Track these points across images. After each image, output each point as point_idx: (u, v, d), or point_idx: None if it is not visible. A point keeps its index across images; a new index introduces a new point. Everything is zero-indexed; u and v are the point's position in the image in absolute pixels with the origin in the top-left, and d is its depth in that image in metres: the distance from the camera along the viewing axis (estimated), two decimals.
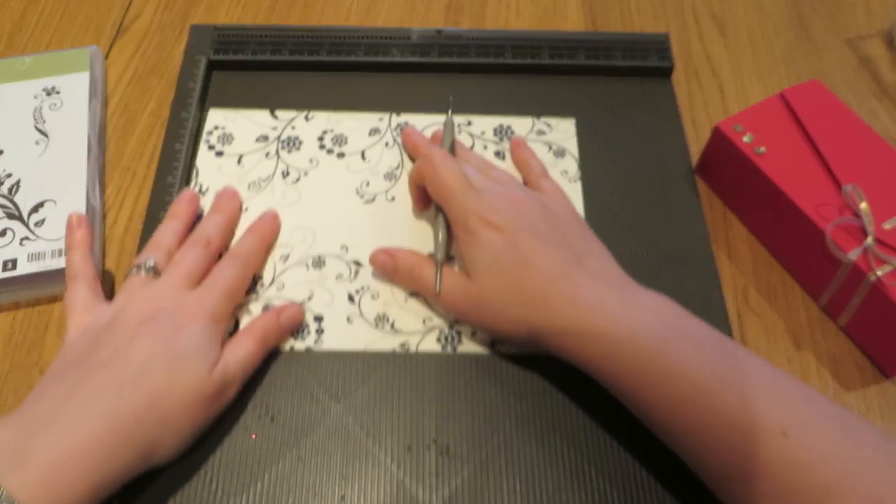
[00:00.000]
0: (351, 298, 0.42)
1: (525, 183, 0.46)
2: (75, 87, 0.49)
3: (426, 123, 0.49)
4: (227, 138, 0.48)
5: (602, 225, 0.45)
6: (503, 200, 0.39)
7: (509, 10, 0.58)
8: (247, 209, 0.45)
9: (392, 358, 0.40)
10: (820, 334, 0.42)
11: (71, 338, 0.36)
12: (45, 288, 0.41)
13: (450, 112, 0.47)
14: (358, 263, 0.43)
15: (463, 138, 0.49)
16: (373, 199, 0.46)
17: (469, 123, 0.50)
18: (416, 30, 0.53)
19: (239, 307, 0.41)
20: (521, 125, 0.50)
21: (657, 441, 0.35)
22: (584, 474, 0.36)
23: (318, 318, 0.41)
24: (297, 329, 0.40)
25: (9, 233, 0.43)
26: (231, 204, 0.44)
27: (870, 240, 0.39)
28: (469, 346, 0.40)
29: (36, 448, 0.30)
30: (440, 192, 0.40)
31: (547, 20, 0.58)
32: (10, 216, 0.43)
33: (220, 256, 0.41)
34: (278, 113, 0.50)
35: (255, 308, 0.41)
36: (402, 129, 0.48)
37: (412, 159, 0.47)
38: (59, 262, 0.42)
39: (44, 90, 0.49)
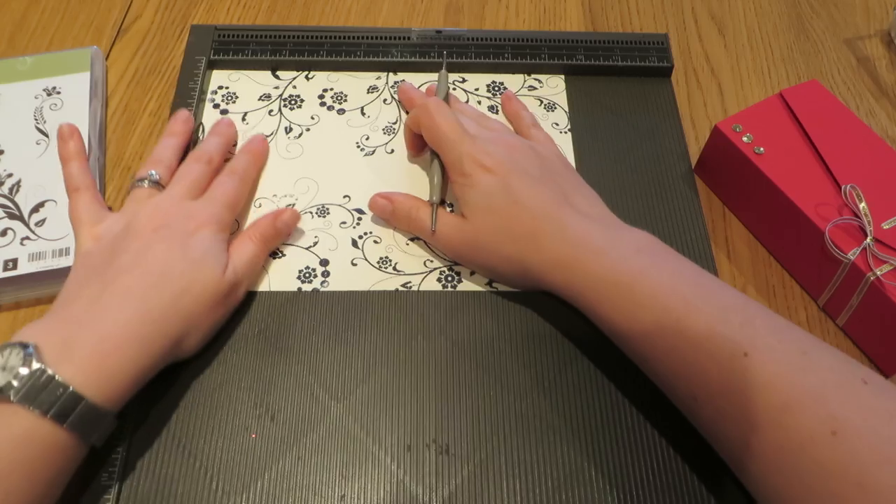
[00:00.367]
0: (355, 243, 0.44)
1: (517, 132, 0.48)
2: (76, 87, 0.49)
3: (422, 81, 0.52)
4: (231, 97, 0.50)
5: None
6: (496, 145, 0.41)
7: (509, 11, 0.58)
8: None
9: (395, 296, 0.42)
10: (819, 334, 0.43)
11: (86, 247, 0.38)
12: (47, 288, 0.41)
13: (444, 66, 0.49)
14: (360, 211, 0.45)
15: (457, 94, 0.51)
16: (373, 152, 0.48)
17: (463, 80, 0.52)
18: (415, 30, 0.53)
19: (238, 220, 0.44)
20: (513, 81, 0.52)
21: (657, 441, 0.35)
22: (584, 474, 0.36)
23: (324, 262, 0.43)
24: (293, 231, 0.44)
25: (9, 233, 0.43)
26: (229, 130, 0.47)
27: (869, 239, 0.39)
28: (468, 285, 0.42)
29: (81, 342, 0.33)
30: (436, 138, 0.41)
31: (546, 20, 0.58)
32: (11, 216, 0.43)
33: None
34: (280, 73, 0.52)
35: None
36: (399, 84, 0.51)
37: (408, 112, 0.49)
38: (60, 262, 0.42)
39: (44, 90, 0.49)
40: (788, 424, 0.29)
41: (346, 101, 0.51)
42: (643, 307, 0.34)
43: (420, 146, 0.46)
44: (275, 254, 0.43)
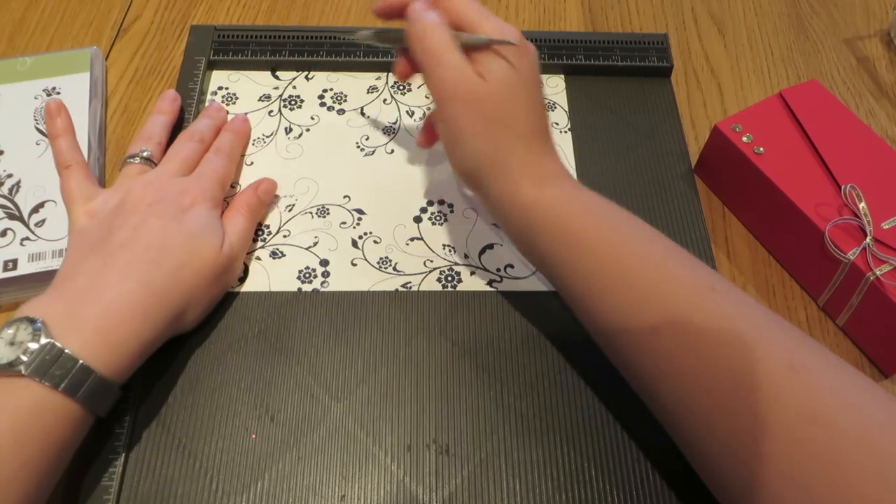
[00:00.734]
0: (354, 244, 0.44)
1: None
2: (75, 87, 0.49)
3: (422, 81, 0.49)
4: (230, 97, 0.50)
5: None
6: (516, 30, 0.37)
7: (508, 11, 0.58)
8: (251, 164, 0.47)
9: (395, 296, 0.42)
10: (819, 334, 0.43)
11: (80, 223, 0.39)
12: (46, 288, 0.41)
13: None
14: (360, 212, 0.45)
15: None
16: (373, 152, 0.48)
17: None
18: None
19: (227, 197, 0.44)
20: None
21: (657, 441, 0.35)
22: (584, 474, 0.36)
23: (324, 262, 0.43)
24: (273, 199, 0.45)
25: (9, 233, 0.43)
26: (219, 114, 0.48)
27: (869, 239, 0.39)
28: (468, 285, 0.42)
29: (86, 315, 0.33)
30: (465, 5, 0.38)
31: (546, 20, 0.58)
32: (11, 216, 0.43)
33: None
34: (279, 73, 0.52)
35: (264, 254, 0.43)
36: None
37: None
38: (60, 263, 0.42)
39: (44, 91, 0.49)
40: (747, 356, 0.29)
41: (345, 101, 0.51)
42: (590, 250, 0.34)
43: (396, 12, 0.41)
44: (275, 254, 0.43)
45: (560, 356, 0.40)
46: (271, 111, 0.50)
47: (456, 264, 0.43)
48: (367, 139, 0.49)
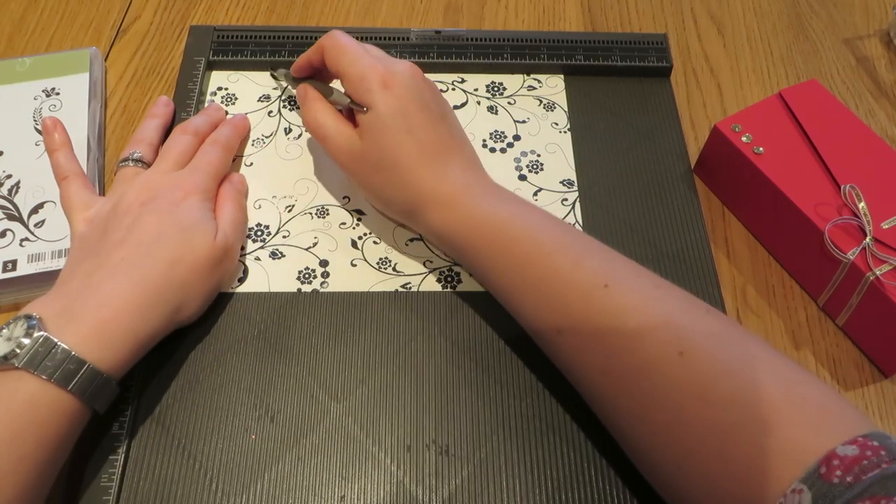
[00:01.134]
0: (354, 244, 0.44)
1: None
2: (75, 88, 0.49)
3: None
4: (230, 98, 0.50)
5: (601, 225, 0.45)
6: (402, 66, 0.40)
7: (508, 11, 0.58)
8: (251, 164, 0.47)
9: (395, 297, 0.42)
10: (819, 333, 0.43)
11: (80, 230, 0.39)
12: (46, 289, 0.41)
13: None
14: (360, 212, 0.45)
15: (456, 95, 0.51)
16: None
17: (462, 81, 0.52)
18: (414, 30, 0.53)
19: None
20: (513, 81, 0.52)
21: None
22: (584, 474, 0.36)
23: (324, 263, 0.43)
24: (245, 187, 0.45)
25: (9, 234, 0.43)
26: (217, 113, 0.48)
27: (868, 239, 0.39)
28: (468, 285, 0.42)
29: (81, 311, 0.34)
30: (339, 55, 0.40)
31: (546, 20, 0.58)
32: (10, 217, 0.43)
33: None
34: (275, 73, 0.52)
35: (263, 254, 0.43)
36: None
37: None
38: (59, 263, 0.42)
39: (43, 91, 0.49)
40: (641, 347, 0.32)
41: None
42: (517, 241, 0.36)
43: (306, 70, 0.45)
44: (274, 254, 0.43)
45: None
46: (271, 112, 0.50)
47: (455, 264, 0.43)
48: None
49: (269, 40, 0.52)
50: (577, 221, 0.45)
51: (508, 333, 0.41)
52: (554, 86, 0.52)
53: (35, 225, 0.43)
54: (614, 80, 0.52)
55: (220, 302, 0.41)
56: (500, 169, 0.47)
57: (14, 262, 0.42)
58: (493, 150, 0.48)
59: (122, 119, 0.50)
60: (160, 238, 0.37)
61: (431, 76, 0.51)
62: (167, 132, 0.46)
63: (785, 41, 0.57)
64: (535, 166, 0.48)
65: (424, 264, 0.43)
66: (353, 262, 0.43)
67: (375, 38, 0.52)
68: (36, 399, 0.31)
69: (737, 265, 0.45)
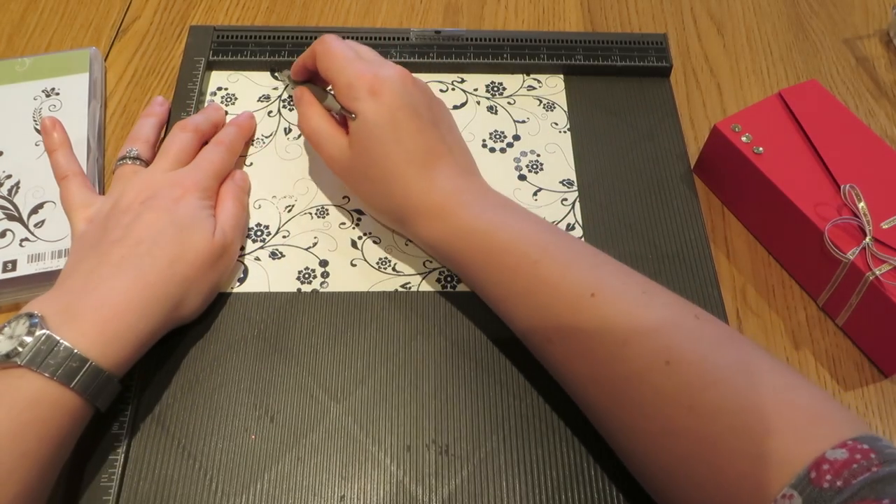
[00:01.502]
0: (354, 244, 0.44)
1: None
2: (75, 88, 0.49)
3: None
4: (230, 98, 0.50)
5: (600, 225, 0.45)
6: (391, 70, 0.40)
7: (508, 11, 0.58)
8: (251, 164, 0.47)
9: (395, 297, 0.42)
10: (819, 333, 0.43)
11: (80, 229, 0.39)
12: (46, 289, 0.41)
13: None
14: (359, 212, 0.45)
15: (456, 95, 0.51)
16: None
17: (462, 81, 0.52)
18: (414, 30, 0.53)
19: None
20: (512, 81, 0.52)
21: None
22: (584, 474, 0.36)
23: (324, 263, 0.43)
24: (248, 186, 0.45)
25: (9, 234, 0.43)
26: (217, 112, 0.48)
27: (868, 239, 0.39)
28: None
29: (83, 309, 0.34)
30: (329, 62, 0.40)
31: (545, 20, 0.58)
32: (10, 217, 0.43)
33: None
34: (278, 74, 0.52)
35: (263, 254, 0.43)
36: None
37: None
38: (59, 264, 0.42)
39: (43, 91, 0.49)
40: (628, 356, 0.32)
41: None
42: (504, 251, 0.36)
43: (303, 73, 0.45)
44: (274, 254, 0.43)
45: None
46: (271, 112, 0.50)
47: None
48: None
49: (269, 40, 0.52)
50: (576, 221, 0.45)
51: (508, 333, 0.40)
52: (554, 86, 0.52)
53: (35, 225, 0.43)
54: (614, 80, 0.52)
55: (219, 302, 0.41)
56: (499, 169, 0.47)
57: (14, 262, 0.42)
58: (492, 150, 0.48)
59: (121, 119, 0.50)
60: (159, 236, 0.37)
61: (431, 76, 0.52)
62: (164, 131, 0.46)
63: (785, 41, 0.57)
64: (534, 166, 0.48)
65: (424, 264, 0.43)
66: (353, 262, 0.43)
67: (375, 38, 0.52)
68: (38, 397, 0.31)
69: (736, 265, 0.45)
